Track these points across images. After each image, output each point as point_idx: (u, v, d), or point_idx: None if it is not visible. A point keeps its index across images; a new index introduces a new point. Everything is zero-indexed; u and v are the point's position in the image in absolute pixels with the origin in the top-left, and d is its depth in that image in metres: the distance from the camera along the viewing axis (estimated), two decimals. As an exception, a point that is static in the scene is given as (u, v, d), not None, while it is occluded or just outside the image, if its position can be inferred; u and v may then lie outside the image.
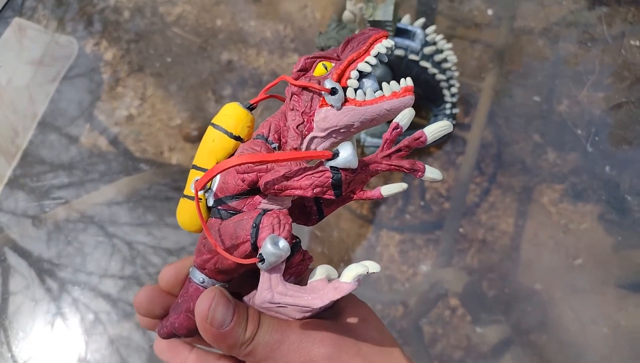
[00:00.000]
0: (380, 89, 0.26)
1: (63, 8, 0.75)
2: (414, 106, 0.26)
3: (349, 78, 0.25)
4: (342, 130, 0.26)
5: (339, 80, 0.26)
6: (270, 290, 0.26)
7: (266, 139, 0.27)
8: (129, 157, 0.65)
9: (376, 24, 0.54)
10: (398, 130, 0.25)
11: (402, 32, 0.57)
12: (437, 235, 0.59)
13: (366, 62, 0.25)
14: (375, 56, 0.25)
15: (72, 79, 0.70)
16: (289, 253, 0.25)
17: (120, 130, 0.67)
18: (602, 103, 0.65)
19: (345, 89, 0.26)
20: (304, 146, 0.27)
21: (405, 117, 0.25)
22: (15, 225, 0.62)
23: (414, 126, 0.64)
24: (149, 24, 0.74)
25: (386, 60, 0.26)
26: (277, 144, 0.27)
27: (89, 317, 0.56)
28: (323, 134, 0.26)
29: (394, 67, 0.57)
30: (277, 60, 0.70)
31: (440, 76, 0.57)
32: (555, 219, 0.59)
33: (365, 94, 0.25)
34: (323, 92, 0.26)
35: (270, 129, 0.28)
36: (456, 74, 0.59)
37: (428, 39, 0.56)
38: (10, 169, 0.64)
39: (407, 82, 0.25)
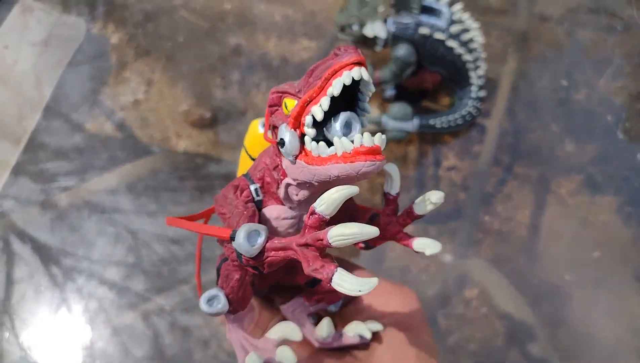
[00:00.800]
0: (363, 127, 0.20)
1: (69, -10, 0.73)
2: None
3: (304, 125, 0.20)
4: (307, 184, 0.21)
5: (297, 126, 0.20)
6: (229, 332, 0.25)
7: (250, 178, 0.24)
8: (136, 144, 0.64)
9: (401, 1, 0.52)
10: (315, 216, 0.19)
11: (427, 10, 0.54)
12: (451, 226, 0.57)
13: (319, 105, 0.19)
14: (333, 96, 0.19)
15: (78, 64, 0.69)
16: (225, 310, 0.24)
17: (127, 116, 0.66)
18: (629, 89, 0.63)
19: (304, 136, 0.20)
20: (281, 192, 0.23)
21: (324, 202, 0.19)
22: (20, 211, 0.61)
23: (429, 111, 0.62)
24: (156, 7, 0.72)
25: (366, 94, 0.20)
26: (258, 185, 0.24)
27: (92, 305, 0.55)
28: (294, 183, 0.22)
29: (419, 47, 0.55)
30: (287, 45, 0.68)
31: (467, 57, 0.55)
32: (572, 211, 0.57)
33: (323, 145, 0.20)
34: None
35: (257, 166, 0.24)
36: (483, 55, 0.57)
37: (454, 17, 0.54)
38: (17, 154, 0.63)
39: (364, 139, 0.19)
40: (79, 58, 0.69)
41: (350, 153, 0.19)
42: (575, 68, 0.65)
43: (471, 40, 0.55)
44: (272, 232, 0.24)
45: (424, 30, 0.53)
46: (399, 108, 0.57)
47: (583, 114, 0.62)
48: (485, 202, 0.58)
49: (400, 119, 0.57)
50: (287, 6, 0.71)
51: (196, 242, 0.26)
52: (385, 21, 0.55)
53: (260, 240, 0.21)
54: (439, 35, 0.53)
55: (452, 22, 0.54)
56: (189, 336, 0.53)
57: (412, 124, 0.58)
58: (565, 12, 0.69)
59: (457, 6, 0.55)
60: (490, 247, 0.56)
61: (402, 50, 0.55)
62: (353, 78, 0.19)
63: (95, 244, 0.58)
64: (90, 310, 0.55)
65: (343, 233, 0.18)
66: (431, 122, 0.58)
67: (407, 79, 0.58)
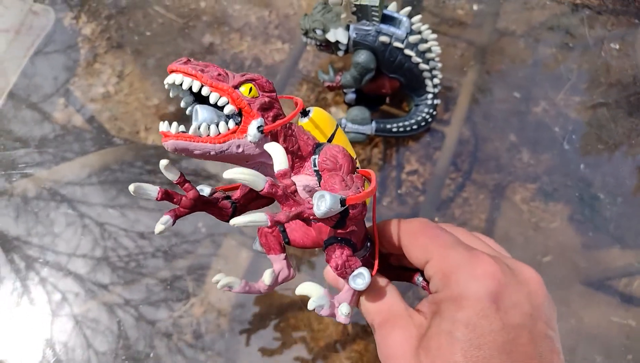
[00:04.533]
0: (216, 125, 0.27)
1: (41, -21, 0.72)
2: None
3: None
4: None
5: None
6: None
7: None
8: (104, 135, 0.64)
9: (362, 9, 0.54)
10: None
11: (387, 19, 0.56)
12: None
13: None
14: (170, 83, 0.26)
15: (48, 53, 0.68)
16: (258, 250, 0.36)
17: (96, 108, 0.65)
18: (580, 104, 0.67)
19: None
20: None
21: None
22: (-18, 199, 0.60)
23: (387, 116, 0.64)
24: (130, 0, 0.72)
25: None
26: None
27: (56, 297, 0.55)
28: None
29: (378, 54, 0.57)
30: (260, 46, 0.69)
31: (423, 66, 0.57)
32: (526, 217, 0.60)
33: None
34: None
35: None
36: (439, 65, 0.59)
37: (413, 27, 0.56)
38: (-21, 142, 0.62)
39: (162, 126, 0.26)
40: (49, 48, 0.68)
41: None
42: (534, 82, 0.68)
43: (428, 50, 0.57)
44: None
45: (383, 38, 0.55)
46: (357, 111, 0.59)
47: (539, 126, 0.65)
48: (443, 206, 0.61)
49: (358, 122, 0.59)
50: (263, 8, 0.72)
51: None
52: (347, 28, 0.56)
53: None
54: (397, 44, 0.55)
55: (411, 32, 0.56)
56: (153, 329, 0.53)
57: (370, 127, 0.60)
58: (527, 28, 0.72)
59: (417, 17, 0.56)
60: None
61: (363, 57, 0.56)
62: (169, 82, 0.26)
63: (61, 235, 0.58)
64: (53, 301, 0.55)
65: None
66: (388, 126, 0.60)
67: (367, 84, 0.60)
